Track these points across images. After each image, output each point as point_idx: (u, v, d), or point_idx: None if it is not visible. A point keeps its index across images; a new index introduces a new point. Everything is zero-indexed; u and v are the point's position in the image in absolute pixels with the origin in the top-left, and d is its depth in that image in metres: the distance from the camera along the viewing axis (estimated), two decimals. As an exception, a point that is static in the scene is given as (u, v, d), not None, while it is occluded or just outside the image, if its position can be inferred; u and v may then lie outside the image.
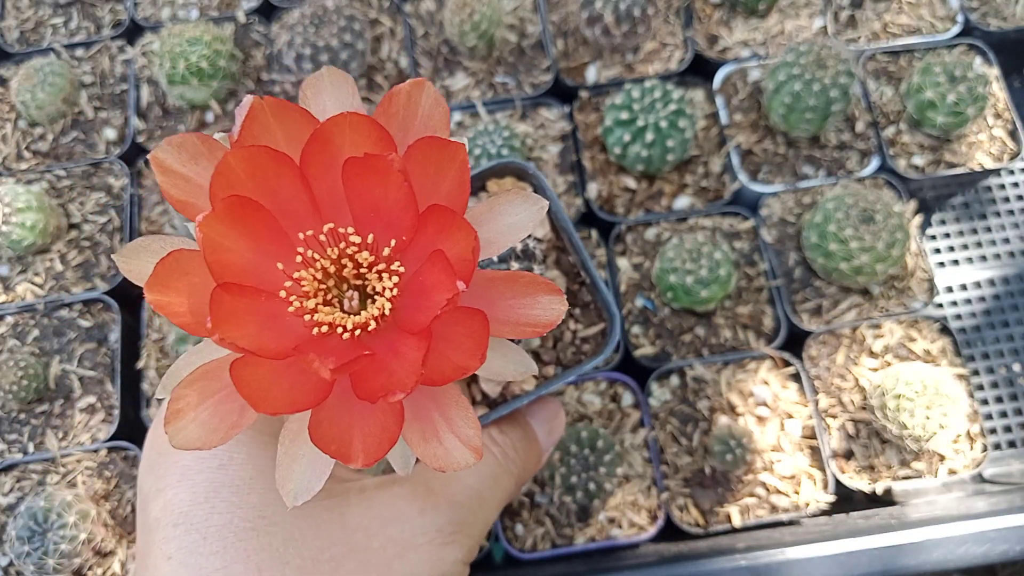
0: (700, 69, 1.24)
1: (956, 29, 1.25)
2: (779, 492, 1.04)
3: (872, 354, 1.09)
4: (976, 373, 1.19)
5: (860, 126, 1.20)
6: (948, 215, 1.28)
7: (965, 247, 1.26)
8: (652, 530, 1.02)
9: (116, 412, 1.09)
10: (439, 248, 0.39)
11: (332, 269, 0.42)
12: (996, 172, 1.24)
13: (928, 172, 1.17)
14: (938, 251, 1.26)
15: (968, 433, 1.05)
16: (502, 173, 0.65)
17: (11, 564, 1.01)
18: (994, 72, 1.21)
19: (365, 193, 0.40)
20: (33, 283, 1.17)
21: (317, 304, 0.41)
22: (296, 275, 0.41)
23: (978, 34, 1.24)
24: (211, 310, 0.36)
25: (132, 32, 1.33)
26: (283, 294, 0.40)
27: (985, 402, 1.17)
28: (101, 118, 1.27)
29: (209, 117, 1.25)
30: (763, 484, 1.04)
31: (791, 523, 1.03)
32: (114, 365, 1.12)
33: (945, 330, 1.10)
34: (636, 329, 1.11)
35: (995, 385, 1.18)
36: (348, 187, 0.40)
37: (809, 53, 1.12)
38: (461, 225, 0.39)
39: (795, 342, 1.09)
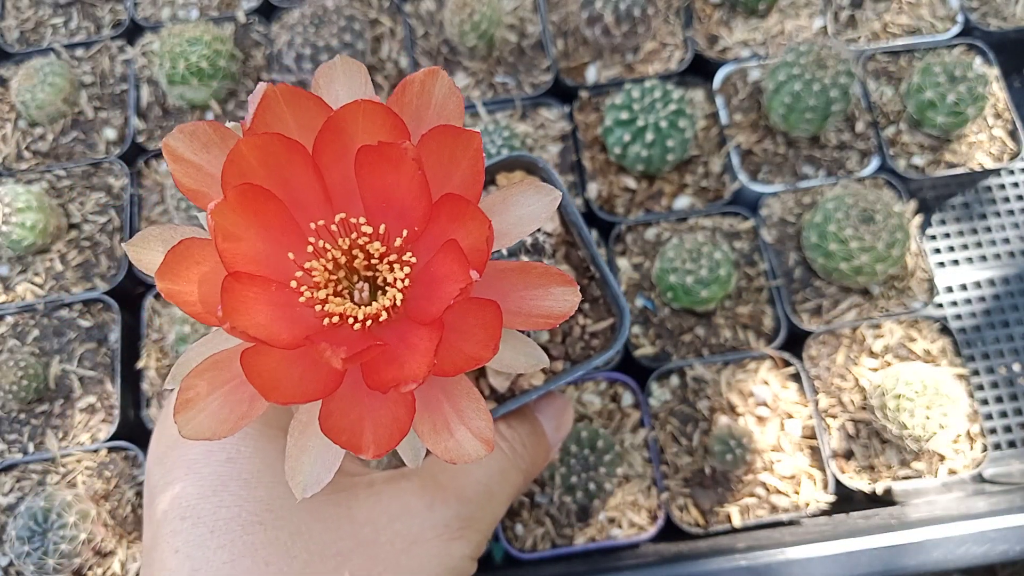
0: (700, 69, 1.24)
1: (956, 29, 1.25)
2: (779, 492, 1.04)
3: (872, 354, 1.09)
4: (976, 373, 1.19)
5: (860, 126, 1.20)
6: (948, 215, 1.28)
7: (965, 247, 1.26)
8: (652, 530, 1.02)
9: (116, 412, 1.09)
10: (452, 238, 0.38)
11: (343, 260, 0.41)
12: (996, 172, 1.24)
13: (928, 172, 1.17)
14: (938, 251, 1.26)
15: (968, 433, 1.05)
16: (512, 167, 0.65)
17: (11, 564, 1.01)
18: (994, 72, 1.21)
19: (378, 182, 0.40)
20: (33, 283, 1.17)
21: (328, 295, 0.41)
22: (307, 265, 0.41)
23: (978, 34, 1.24)
24: (222, 299, 0.36)
25: (132, 32, 1.33)
26: (294, 284, 0.40)
27: (985, 402, 1.17)
28: (101, 118, 1.27)
29: (209, 117, 1.25)
30: (763, 484, 1.04)
31: (791, 523, 1.03)
32: (114, 365, 1.12)
33: (945, 330, 1.10)
34: (636, 329, 1.11)
35: (995, 385, 1.18)
36: (360, 176, 0.40)
37: (809, 53, 1.12)
38: (475, 214, 0.38)
39: (795, 342, 1.09)
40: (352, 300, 0.42)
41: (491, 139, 1.13)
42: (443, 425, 0.41)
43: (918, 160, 1.18)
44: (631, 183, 1.19)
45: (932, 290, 1.11)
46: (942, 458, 1.04)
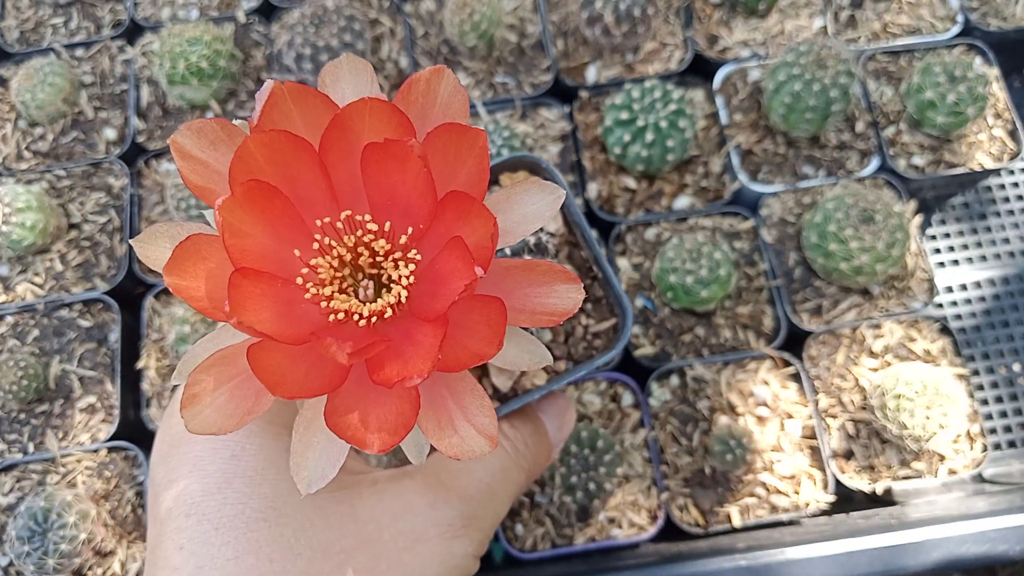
0: (700, 69, 1.24)
1: (956, 29, 1.25)
2: (779, 492, 1.04)
3: (872, 354, 1.09)
4: (976, 373, 1.19)
5: (860, 126, 1.20)
6: (948, 215, 1.28)
7: (965, 247, 1.26)
8: (652, 530, 1.02)
9: (116, 412, 1.09)
10: (458, 235, 0.39)
11: (348, 257, 0.42)
12: (996, 172, 1.24)
13: (928, 172, 1.17)
14: (938, 251, 1.26)
15: (968, 433, 1.05)
16: (515, 167, 0.65)
17: (11, 564, 1.01)
18: (994, 72, 1.21)
19: (383, 179, 0.40)
20: (33, 283, 1.17)
21: (333, 292, 0.41)
22: (313, 262, 0.41)
23: (978, 34, 1.24)
24: (229, 295, 0.36)
25: (132, 32, 1.33)
26: (300, 281, 0.40)
27: (985, 402, 1.17)
28: (101, 118, 1.27)
29: (209, 117, 1.25)
30: (763, 484, 1.04)
31: (791, 523, 1.03)
32: (114, 365, 1.12)
33: (945, 330, 1.10)
34: (636, 329, 1.11)
35: (995, 385, 1.18)
36: (366, 173, 0.40)
37: (809, 53, 1.12)
38: (480, 211, 0.38)
39: (795, 342, 1.09)
40: (357, 297, 0.42)
41: (491, 139, 1.13)
42: (447, 421, 0.41)
43: (918, 160, 1.18)
44: (631, 183, 1.19)
45: (932, 290, 1.11)
46: (942, 458, 1.04)
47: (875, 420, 1.03)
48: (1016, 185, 1.29)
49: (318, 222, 0.41)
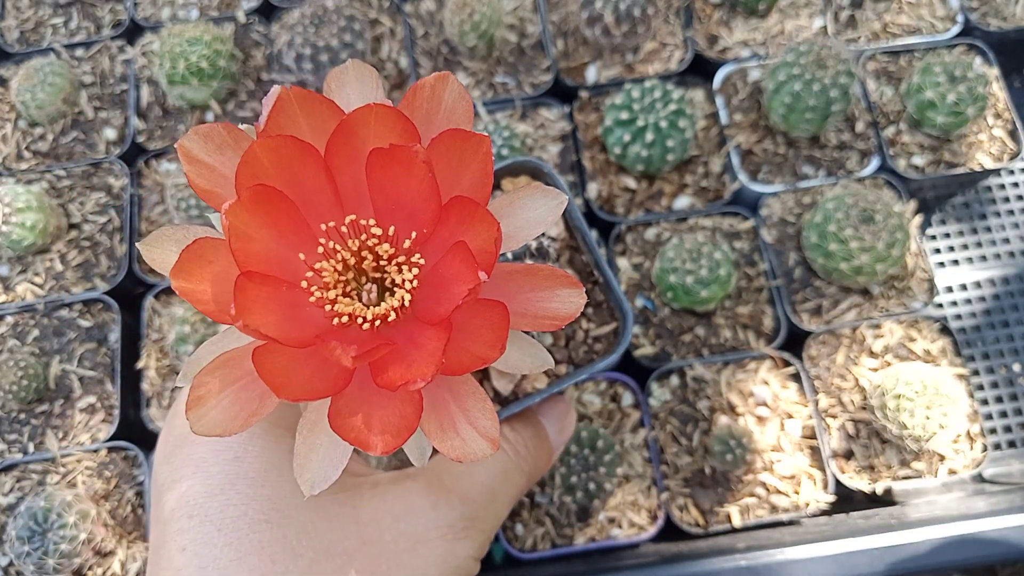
0: (700, 69, 1.24)
1: (956, 29, 1.25)
2: (779, 492, 1.04)
3: (872, 354, 1.09)
4: (976, 373, 1.19)
5: (860, 126, 1.20)
6: (948, 215, 1.28)
7: (965, 247, 1.26)
8: (652, 530, 1.02)
9: (116, 412, 1.09)
10: (461, 239, 0.39)
11: (352, 261, 0.42)
12: (996, 172, 1.24)
13: (928, 172, 1.17)
14: (938, 251, 1.26)
15: (968, 433, 1.05)
16: (517, 172, 0.65)
17: (11, 564, 1.01)
18: (994, 72, 1.21)
19: (388, 184, 0.41)
20: (33, 283, 1.17)
21: (337, 295, 0.41)
22: (317, 266, 0.41)
23: (978, 34, 1.24)
24: (235, 298, 0.37)
25: (132, 32, 1.33)
26: (304, 284, 0.41)
27: (985, 402, 1.17)
28: (101, 118, 1.27)
29: (209, 117, 1.25)
30: (763, 484, 1.04)
31: (791, 523, 1.03)
32: (114, 365, 1.12)
33: (945, 330, 1.10)
34: (636, 329, 1.11)
35: (995, 385, 1.18)
36: (371, 178, 0.41)
37: (809, 53, 1.12)
38: (484, 216, 0.39)
39: (795, 342, 1.09)
40: (360, 301, 0.42)
41: (491, 139, 1.12)
42: (449, 424, 0.42)
43: (918, 160, 1.18)
44: (631, 183, 1.19)
45: (932, 290, 1.11)
46: (942, 458, 1.04)
47: (875, 420, 1.03)
48: (1016, 185, 1.29)
49: (323, 226, 0.42)
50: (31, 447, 1.10)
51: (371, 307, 0.41)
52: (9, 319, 1.15)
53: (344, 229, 0.42)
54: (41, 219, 1.14)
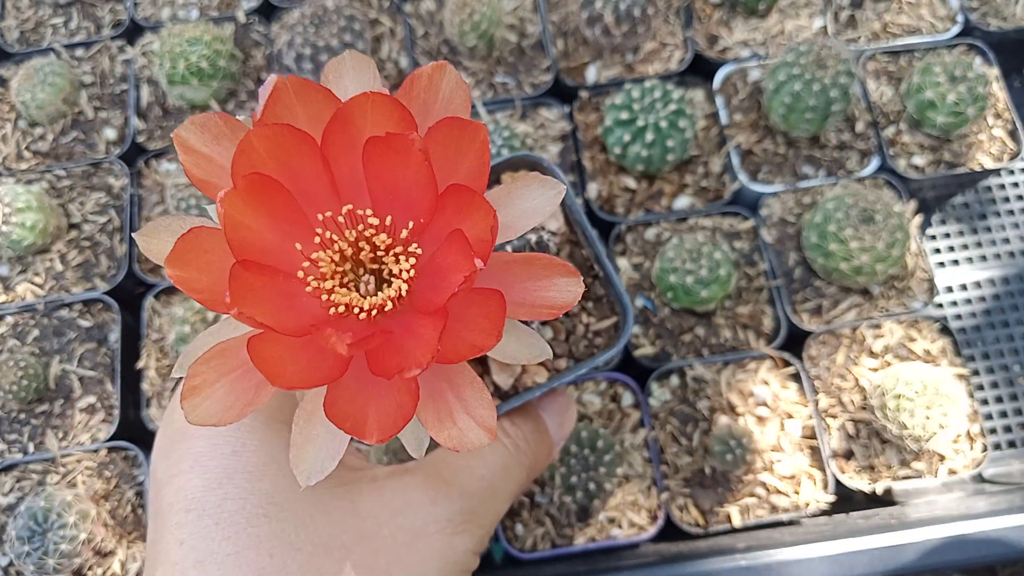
0: (700, 69, 1.24)
1: (956, 29, 1.25)
2: (779, 492, 1.04)
3: (872, 354, 1.09)
4: (976, 373, 1.19)
5: (860, 126, 1.20)
6: (948, 215, 1.28)
7: (965, 247, 1.26)
8: (652, 530, 1.02)
9: (116, 412, 1.09)
10: (458, 228, 0.39)
11: (349, 252, 0.42)
12: (996, 172, 1.24)
13: (928, 172, 1.17)
14: (938, 251, 1.26)
15: (968, 433, 1.05)
16: (517, 166, 0.65)
17: (11, 564, 1.01)
18: (994, 72, 1.21)
19: (385, 173, 0.40)
20: (33, 283, 1.17)
21: (334, 286, 0.41)
22: (314, 256, 0.41)
23: (978, 34, 1.24)
24: (230, 286, 0.36)
25: (132, 32, 1.33)
26: (301, 274, 0.41)
27: (985, 402, 1.17)
28: (101, 118, 1.27)
29: (209, 116, 1.25)
30: (763, 484, 1.04)
31: (791, 523, 1.03)
32: (114, 365, 1.12)
33: (945, 330, 1.10)
34: (636, 329, 1.11)
35: (995, 385, 1.18)
36: (368, 167, 0.40)
37: (809, 53, 1.12)
38: (480, 205, 0.39)
39: (795, 342, 1.09)
40: (358, 291, 0.42)
41: (491, 139, 1.13)
42: (447, 413, 0.41)
43: (918, 160, 1.18)
44: (631, 183, 1.19)
45: (932, 290, 1.11)
46: (942, 458, 1.04)
47: (875, 420, 1.03)
48: (1016, 185, 1.29)
49: (320, 216, 0.41)
50: (31, 447, 1.09)
51: (368, 297, 0.41)
52: (9, 319, 1.15)
53: (341, 219, 0.42)
54: (41, 219, 1.15)
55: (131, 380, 1.13)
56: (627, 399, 1.09)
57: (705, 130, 1.21)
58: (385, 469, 0.57)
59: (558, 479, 1.00)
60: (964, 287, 1.24)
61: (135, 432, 1.10)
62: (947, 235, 1.27)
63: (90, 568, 1.02)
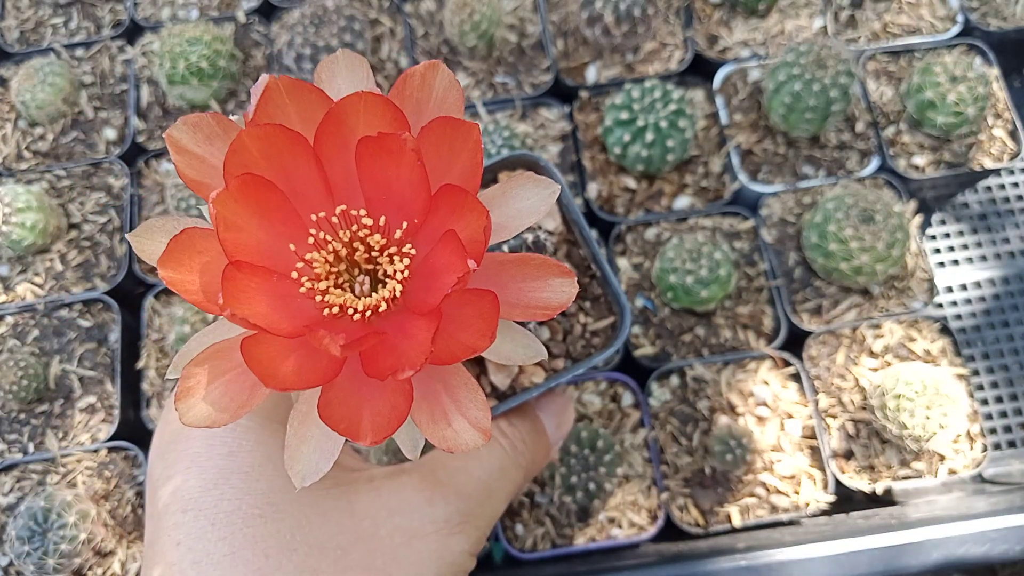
0: (700, 69, 1.24)
1: (956, 29, 1.25)
2: (779, 492, 1.04)
3: (872, 354, 1.09)
4: (976, 373, 1.19)
5: (860, 126, 1.20)
6: (948, 215, 1.28)
7: (965, 247, 1.26)
8: (652, 530, 1.02)
9: (116, 412, 1.09)
10: (451, 228, 0.39)
11: (344, 253, 0.42)
12: (996, 172, 1.24)
13: (928, 172, 1.17)
14: (938, 251, 1.26)
15: (968, 433, 1.05)
16: (514, 166, 0.65)
17: (11, 564, 1.01)
18: (994, 72, 1.21)
19: (378, 174, 0.40)
20: (33, 283, 1.17)
21: (328, 287, 0.41)
22: (308, 257, 0.41)
23: (978, 34, 1.24)
24: (223, 287, 0.36)
25: (132, 32, 1.33)
26: (294, 275, 0.40)
27: (985, 402, 1.17)
28: (101, 118, 1.27)
29: (208, 116, 1.25)
30: (763, 484, 1.04)
31: (791, 523, 1.03)
32: (114, 365, 1.12)
33: (945, 330, 1.09)
34: (636, 329, 1.11)
35: (995, 385, 1.18)
36: (361, 167, 0.40)
37: (809, 53, 1.12)
38: (473, 205, 0.38)
39: (795, 342, 1.09)
40: (352, 292, 0.42)
41: (491, 139, 1.13)
42: (441, 415, 0.41)
43: (918, 160, 1.18)
44: (631, 183, 1.19)
45: (932, 290, 1.11)
46: (942, 458, 1.04)
47: (875, 420, 1.03)
48: (1016, 185, 1.29)
49: (313, 216, 0.41)
50: (31, 447, 1.10)
51: (363, 298, 0.41)
52: (9, 319, 1.15)
53: (335, 219, 0.41)
54: (41, 219, 1.15)
55: (131, 380, 1.13)
56: (627, 399, 1.09)
57: (705, 130, 1.21)
58: (382, 470, 0.57)
59: (558, 479, 1.00)
60: (964, 287, 1.24)
61: (135, 432, 1.10)
62: (947, 235, 1.27)
63: (90, 568, 1.02)
